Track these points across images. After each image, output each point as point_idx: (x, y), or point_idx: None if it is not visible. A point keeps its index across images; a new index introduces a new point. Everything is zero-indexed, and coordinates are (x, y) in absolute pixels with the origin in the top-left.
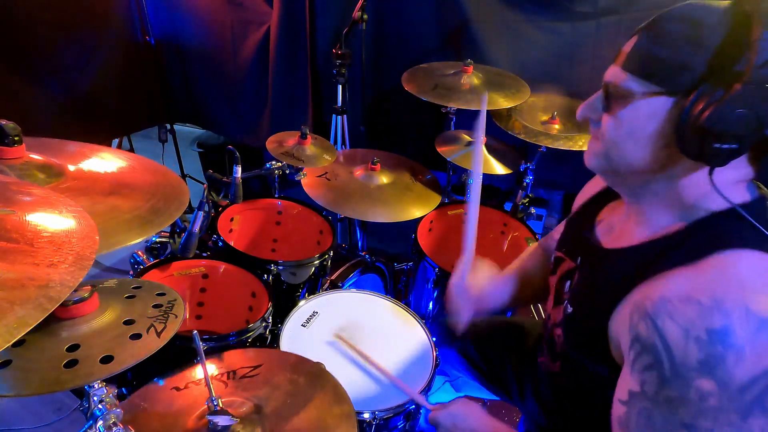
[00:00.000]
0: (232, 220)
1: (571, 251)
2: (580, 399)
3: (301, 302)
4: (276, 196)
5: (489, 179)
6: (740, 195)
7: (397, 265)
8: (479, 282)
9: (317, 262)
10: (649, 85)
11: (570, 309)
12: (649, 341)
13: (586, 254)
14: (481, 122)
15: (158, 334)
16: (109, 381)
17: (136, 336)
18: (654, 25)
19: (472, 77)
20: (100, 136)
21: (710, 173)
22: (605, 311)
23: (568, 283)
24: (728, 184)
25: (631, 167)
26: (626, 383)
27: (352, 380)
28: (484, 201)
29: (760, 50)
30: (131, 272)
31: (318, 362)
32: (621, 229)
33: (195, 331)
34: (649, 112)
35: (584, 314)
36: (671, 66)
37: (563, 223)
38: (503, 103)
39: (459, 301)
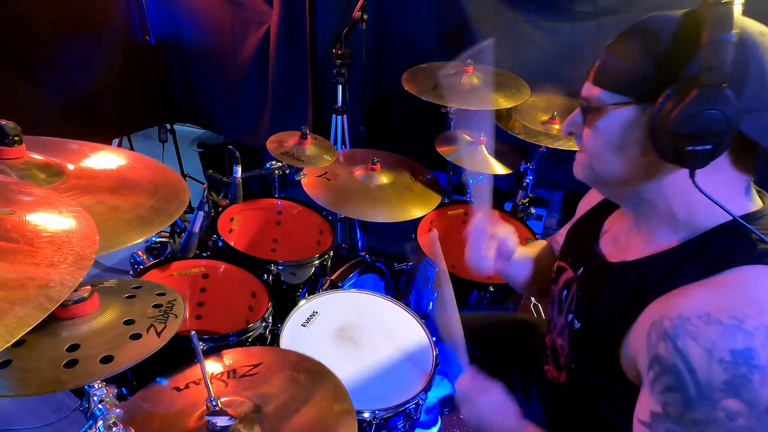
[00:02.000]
0: (232, 220)
1: (574, 262)
2: (587, 410)
3: (301, 302)
4: (276, 196)
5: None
6: (739, 204)
7: (397, 265)
8: (500, 229)
9: (317, 262)
10: (617, 96)
11: (578, 325)
12: (670, 362)
13: (590, 267)
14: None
15: (158, 334)
16: (109, 381)
17: (136, 336)
18: (618, 41)
19: (472, 77)
20: (100, 136)
21: (691, 176)
22: (618, 329)
23: (565, 293)
24: (723, 192)
25: (617, 176)
26: (647, 404)
27: (352, 380)
28: None
29: (708, 53)
30: (131, 272)
31: (318, 361)
32: (626, 241)
33: (193, 332)
34: (621, 122)
35: (594, 331)
36: (633, 76)
37: (565, 228)
38: (503, 103)
39: (479, 245)
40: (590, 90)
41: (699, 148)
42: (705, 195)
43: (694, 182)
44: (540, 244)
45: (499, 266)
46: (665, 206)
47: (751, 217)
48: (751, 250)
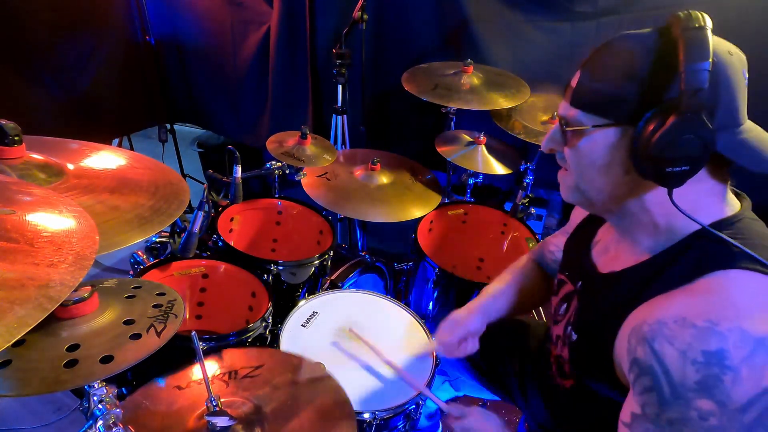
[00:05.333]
0: (232, 220)
1: (572, 275)
2: (592, 412)
3: (301, 302)
4: (276, 196)
5: (489, 179)
6: (716, 211)
7: (397, 265)
8: (456, 328)
9: (317, 262)
10: (596, 117)
11: (575, 337)
12: (647, 364)
13: (585, 279)
14: None
15: (158, 334)
16: (109, 381)
17: (136, 336)
18: (592, 60)
19: (472, 77)
20: (100, 135)
21: (669, 194)
22: (608, 337)
23: (564, 306)
24: (702, 200)
25: (602, 193)
26: (629, 406)
27: (352, 380)
28: (484, 201)
29: (688, 81)
30: (131, 272)
31: (318, 362)
32: (615, 251)
33: (194, 332)
34: (603, 143)
35: (589, 341)
36: (611, 99)
37: (555, 235)
38: (503, 103)
39: (449, 353)
40: (568, 111)
41: (677, 169)
42: (681, 212)
43: (672, 200)
44: (517, 265)
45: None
46: (647, 218)
47: (727, 221)
48: (727, 254)
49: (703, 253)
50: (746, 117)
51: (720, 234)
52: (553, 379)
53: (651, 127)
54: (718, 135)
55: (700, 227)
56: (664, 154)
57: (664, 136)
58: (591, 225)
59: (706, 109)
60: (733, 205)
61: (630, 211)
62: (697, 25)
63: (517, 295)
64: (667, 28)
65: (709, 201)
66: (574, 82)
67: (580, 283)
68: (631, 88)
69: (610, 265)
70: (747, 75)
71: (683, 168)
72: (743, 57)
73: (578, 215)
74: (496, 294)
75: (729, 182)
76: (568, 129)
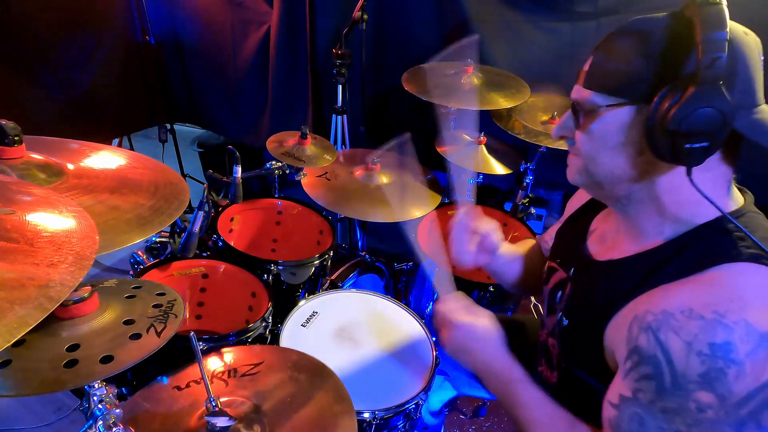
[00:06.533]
0: (232, 220)
1: (564, 262)
2: (577, 409)
3: (301, 302)
4: (276, 196)
5: (489, 179)
6: (721, 204)
7: (397, 265)
8: (483, 225)
9: (317, 262)
10: (610, 97)
11: (566, 322)
12: (649, 353)
13: (579, 266)
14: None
15: (158, 334)
16: (109, 381)
17: (136, 336)
18: (607, 43)
19: (472, 77)
20: (100, 135)
21: (688, 173)
22: (601, 323)
23: (559, 294)
24: (710, 190)
25: (612, 177)
26: (617, 387)
27: (352, 380)
28: (484, 201)
29: (705, 51)
30: (131, 272)
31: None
32: (613, 240)
33: (192, 333)
34: (616, 123)
35: (580, 328)
36: (627, 77)
37: (553, 227)
38: (503, 103)
39: (461, 239)
40: (581, 93)
41: (696, 145)
42: (701, 194)
43: (690, 180)
44: (528, 243)
45: (483, 261)
46: (656, 205)
47: (733, 215)
48: (733, 247)
49: (710, 245)
50: (763, 98)
51: (737, 223)
52: (541, 374)
53: (667, 103)
54: (737, 113)
55: (706, 220)
56: (681, 128)
57: (682, 110)
58: (587, 214)
59: (723, 80)
60: (737, 199)
61: (638, 197)
62: (713, 1)
63: (526, 266)
64: (682, 9)
65: (716, 191)
66: (586, 66)
67: (573, 270)
68: (645, 66)
69: (608, 254)
70: (762, 57)
71: (702, 144)
72: (758, 39)
73: (573, 205)
74: (512, 255)
75: (736, 170)
76: (580, 111)
